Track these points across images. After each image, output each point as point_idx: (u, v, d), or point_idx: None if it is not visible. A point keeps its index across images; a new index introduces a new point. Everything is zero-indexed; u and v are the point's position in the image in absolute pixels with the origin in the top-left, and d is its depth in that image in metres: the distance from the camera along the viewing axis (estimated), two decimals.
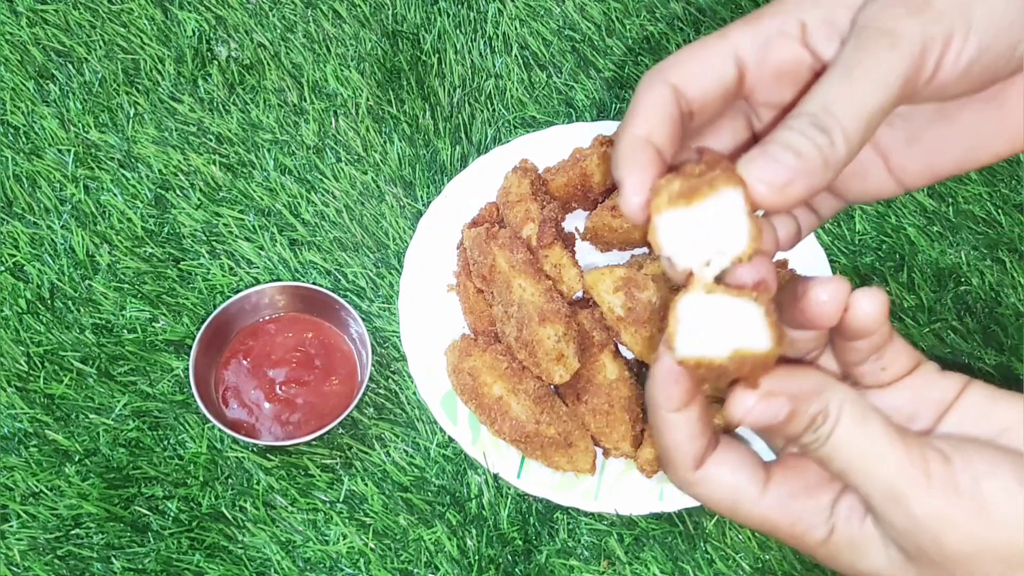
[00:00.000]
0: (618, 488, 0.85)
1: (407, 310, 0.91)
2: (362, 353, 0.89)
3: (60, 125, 1.01)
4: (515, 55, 1.08)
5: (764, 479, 0.43)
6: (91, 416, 0.87)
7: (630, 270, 0.87)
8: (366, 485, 0.85)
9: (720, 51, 0.44)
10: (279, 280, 0.94)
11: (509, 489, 0.86)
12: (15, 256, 0.94)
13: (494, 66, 1.07)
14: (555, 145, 0.98)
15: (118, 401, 0.88)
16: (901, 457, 0.40)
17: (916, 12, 0.41)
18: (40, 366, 0.89)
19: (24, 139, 1.01)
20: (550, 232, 0.89)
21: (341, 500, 0.85)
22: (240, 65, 1.06)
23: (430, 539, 0.84)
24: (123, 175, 0.99)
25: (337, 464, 0.87)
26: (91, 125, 1.01)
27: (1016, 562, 0.39)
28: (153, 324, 0.92)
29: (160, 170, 0.99)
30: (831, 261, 0.96)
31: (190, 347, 0.88)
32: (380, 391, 0.90)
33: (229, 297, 0.91)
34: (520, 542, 0.84)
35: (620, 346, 0.89)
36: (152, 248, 0.95)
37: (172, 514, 0.84)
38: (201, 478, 0.85)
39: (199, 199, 0.98)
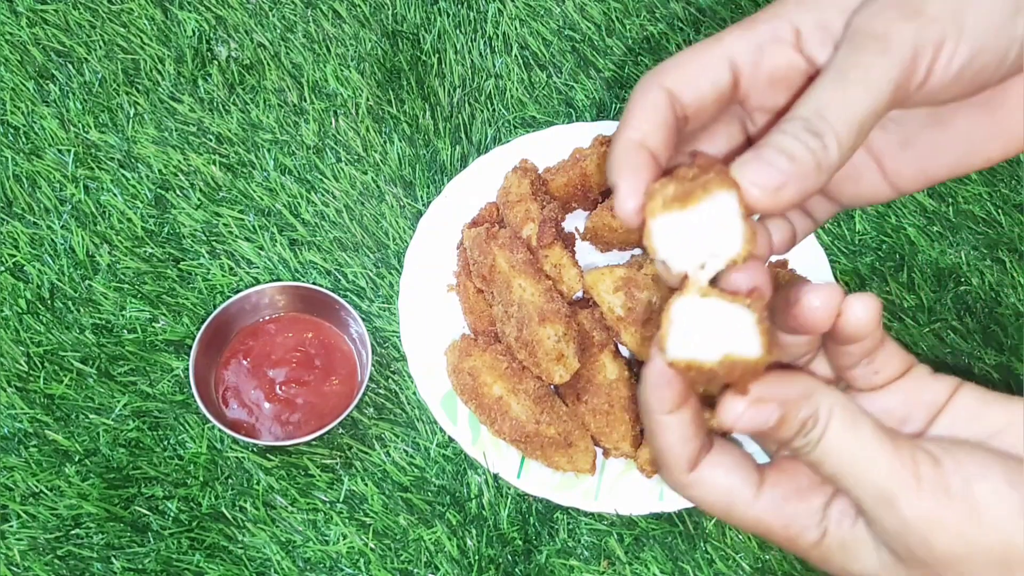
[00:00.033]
0: (618, 488, 0.85)
1: (407, 310, 0.91)
2: (362, 353, 0.89)
3: (60, 125, 1.01)
4: (515, 55, 1.08)
5: (758, 482, 0.43)
6: (91, 416, 0.88)
7: (630, 270, 0.87)
8: (366, 485, 0.86)
9: (715, 56, 0.44)
10: (279, 280, 0.94)
11: (509, 489, 0.86)
12: (15, 256, 0.95)
13: (494, 66, 1.07)
14: (555, 145, 0.98)
15: (118, 401, 0.88)
16: (891, 460, 0.40)
17: (908, 17, 0.41)
18: (40, 366, 0.89)
19: (24, 139, 1.01)
20: (550, 232, 0.89)
21: (341, 500, 0.85)
22: (240, 65, 1.06)
23: (430, 539, 0.84)
24: (123, 175, 0.99)
25: (337, 464, 0.87)
26: (91, 125, 1.02)
27: (1006, 564, 0.39)
28: (153, 324, 0.92)
29: (160, 170, 0.99)
30: (831, 261, 0.96)
31: (190, 347, 0.88)
32: (380, 391, 0.90)
33: (229, 297, 0.91)
34: (520, 542, 0.84)
35: (620, 346, 0.89)
36: (152, 248, 0.96)
37: (172, 514, 0.84)
38: (201, 478, 0.85)
39: (199, 199, 0.98)
